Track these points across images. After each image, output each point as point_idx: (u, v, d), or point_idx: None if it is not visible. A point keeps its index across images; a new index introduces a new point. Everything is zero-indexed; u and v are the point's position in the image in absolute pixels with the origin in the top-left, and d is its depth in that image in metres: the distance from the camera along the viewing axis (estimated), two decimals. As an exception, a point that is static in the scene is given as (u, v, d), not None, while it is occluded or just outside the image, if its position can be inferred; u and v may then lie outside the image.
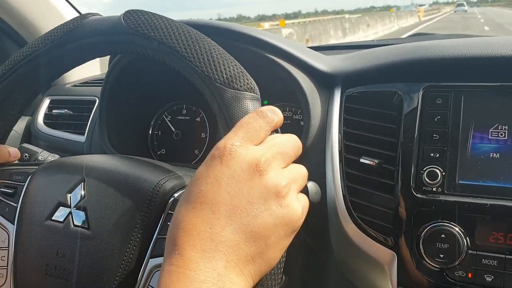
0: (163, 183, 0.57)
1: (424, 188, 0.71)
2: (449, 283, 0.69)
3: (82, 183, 0.61)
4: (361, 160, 0.76)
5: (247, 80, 0.55)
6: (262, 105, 1.06)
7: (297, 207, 0.48)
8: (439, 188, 0.70)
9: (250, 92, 0.55)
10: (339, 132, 0.80)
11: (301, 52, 0.86)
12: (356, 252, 0.76)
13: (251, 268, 0.45)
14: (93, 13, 0.63)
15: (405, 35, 1.45)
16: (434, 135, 0.72)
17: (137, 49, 0.60)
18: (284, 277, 0.82)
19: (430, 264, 0.69)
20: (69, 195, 0.60)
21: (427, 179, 0.70)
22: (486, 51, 0.72)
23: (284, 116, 1.04)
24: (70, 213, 0.59)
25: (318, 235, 0.81)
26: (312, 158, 0.82)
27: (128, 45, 0.60)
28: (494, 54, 0.72)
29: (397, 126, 0.75)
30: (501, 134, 0.70)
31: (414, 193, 0.71)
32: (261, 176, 0.46)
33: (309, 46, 1.13)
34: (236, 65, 0.56)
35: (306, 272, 0.85)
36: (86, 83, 1.27)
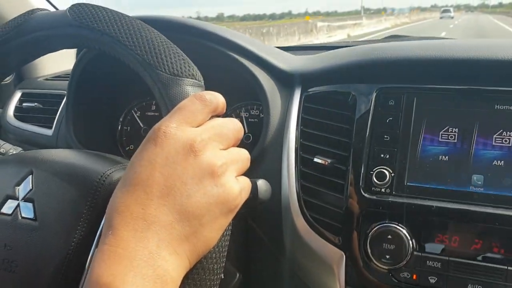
0: (110, 173, 0.57)
1: (373, 188, 0.71)
2: (394, 284, 0.69)
3: (31, 176, 0.61)
4: (315, 160, 0.77)
5: (189, 67, 0.56)
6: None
7: (234, 186, 0.47)
8: (388, 189, 0.70)
9: (191, 78, 0.55)
10: (297, 131, 0.81)
11: (262, 50, 0.87)
12: (307, 250, 0.76)
13: (186, 248, 0.45)
14: (40, 8, 0.63)
15: (381, 37, 1.46)
16: (385, 136, 0.72)
17: (83, 42, 0.60)
18: (238, 274, 0.82)
19: (377, 265, 0.69)
20: (17, 187, 0.61)
21: (376, 180, 0.71)
22: (439, 53, 0.73)
23: (251, 115, 1.05)
24: (18, 205, 0.59)
25: (272, 233, 0.82)
26: (270, 156, 0.83)
27: (74, 38, 0.61)
28: (447, 57, 0.72)
29: (350, 127, 0.75)
30: (451, 137, 0.70)
31: (363, 193, 0.71)
32: (196, 157, 0.46)
33: (280, 46, 1.14)
34: (177, 52, 0.57)
35: (261, 270, 0.86)
36: (59, 77, 1.27)
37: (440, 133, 0.70)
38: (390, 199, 0.70)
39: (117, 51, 0.58)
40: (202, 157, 0.46)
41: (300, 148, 0.80)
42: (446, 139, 0.70)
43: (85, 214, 0.55)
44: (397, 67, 0.75)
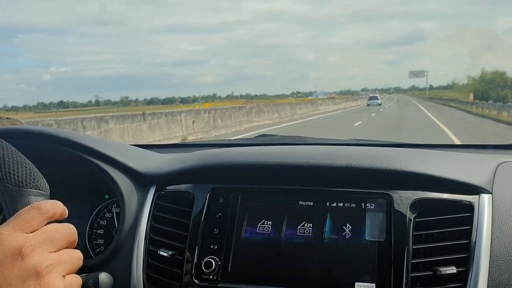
0: None
1: (203, 276, 0.82)
2: None
3: None
4: (159, 252, 0.87)
5: (35, 179, 0.65)
6: (104, 200, 1.14)
7: (58, 284, 0.55)
8: (215, 276, 0.82)
9: (36, 189, 0.64)
10: (147, 226, 0.91)
11: (119, 153, 0.98)
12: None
13: None
14: None
15: (254, 136, 1.66)
16: (215, 230, 0.85)
17: None
18: None
19: None
20: None
21: (204, 269, 0.82)
22: (258, 159, 0.88)
23: (122, 210, 1.13)
24: None
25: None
26: (124, 249, 0.92)
27: None
28: (262, 163, 0.88)
29: (189, 221, 0.87)
30: (266, 229, 0.83)
31: (195, 281, 0.82)
32: (23, 260, 0.54)
33: (147, 144, 1.27)
34: (26, 167, 0.65)
35: None
36: None
37: (258, 225, 0.84)
38: (218, 285, 0.81)
39: None
40: (29, 260, 0.54)
41: (149, 242, 0.90)
42: (262, 230, 0.83)
43: None
44: (225, 170, 0.90)
